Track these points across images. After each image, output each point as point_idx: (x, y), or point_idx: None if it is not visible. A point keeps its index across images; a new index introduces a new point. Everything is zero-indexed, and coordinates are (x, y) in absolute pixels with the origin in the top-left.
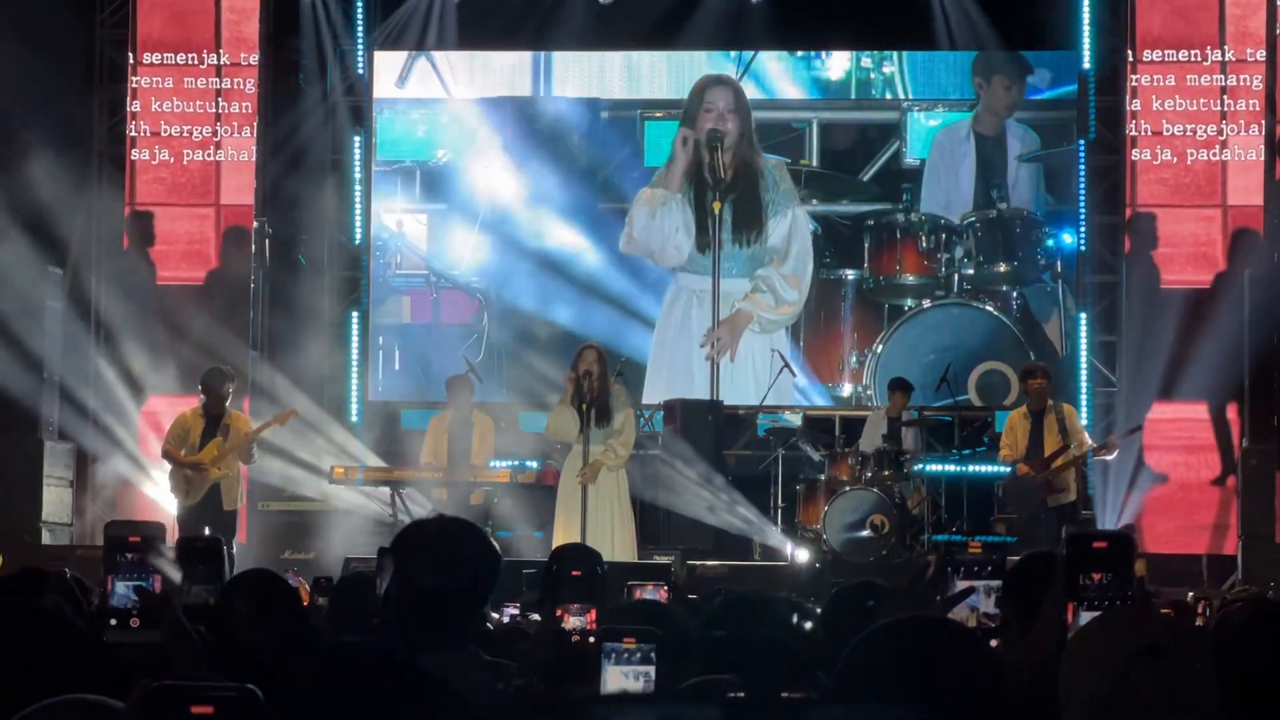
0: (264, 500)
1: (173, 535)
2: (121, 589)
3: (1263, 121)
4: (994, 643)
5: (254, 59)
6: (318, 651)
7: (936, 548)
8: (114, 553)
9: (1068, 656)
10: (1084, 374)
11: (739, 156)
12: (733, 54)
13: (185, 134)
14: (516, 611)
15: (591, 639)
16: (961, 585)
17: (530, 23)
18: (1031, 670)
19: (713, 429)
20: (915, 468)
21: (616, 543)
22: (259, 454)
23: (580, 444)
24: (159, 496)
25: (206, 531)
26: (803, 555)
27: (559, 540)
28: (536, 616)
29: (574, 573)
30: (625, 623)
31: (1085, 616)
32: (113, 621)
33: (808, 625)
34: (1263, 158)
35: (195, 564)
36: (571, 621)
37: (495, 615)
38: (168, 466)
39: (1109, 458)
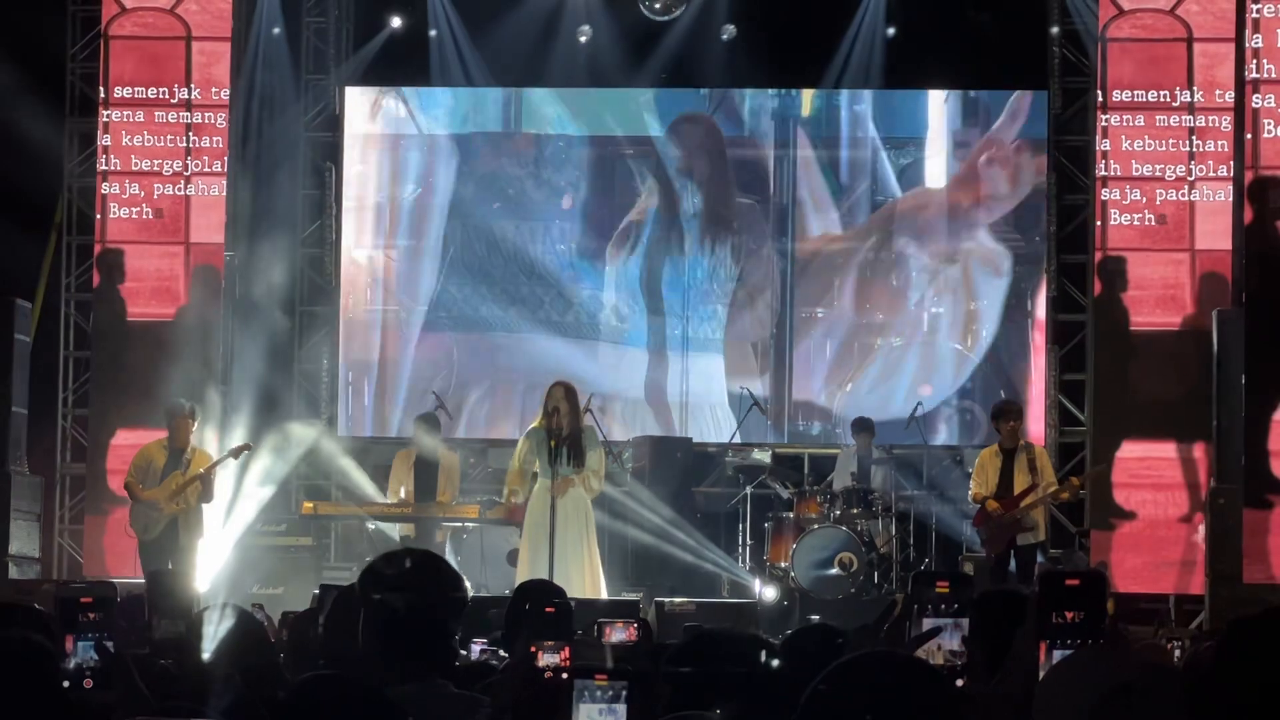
0: (239, 534)
1: (135, 570)
2: (81, 649)
3: (1231, 163)
4: (960, 682)
5: (224, 94)
6: (288, 684)
7: (903, 582)
8: (70, 613)
9: (1039, 696)
10: (1052, 413)
11: (711, 194)
12: (704, 91)
13: (156, 168)
14: (485, 646)
15: (564, 675)
16: (929, 624)
17: (503, 58)
18: (1002, 710)
19: (682, 466)
20: (883, 506)
21: (584, 579)
22: (218, 489)
23: (549, 479)
24: (125, 532)
25: (169, 566)
26: (771, 593)
27: (524, 574)
28: (504, 653)
29: (548, 609)
30: (596, 661)
31: (1057, 655)
32: (66, 683)
33: (775, 663)
34: (1231, 199)
35: (164, 597)
36: (545, 658)
37: (464, 652)
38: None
39: (1079, 495)
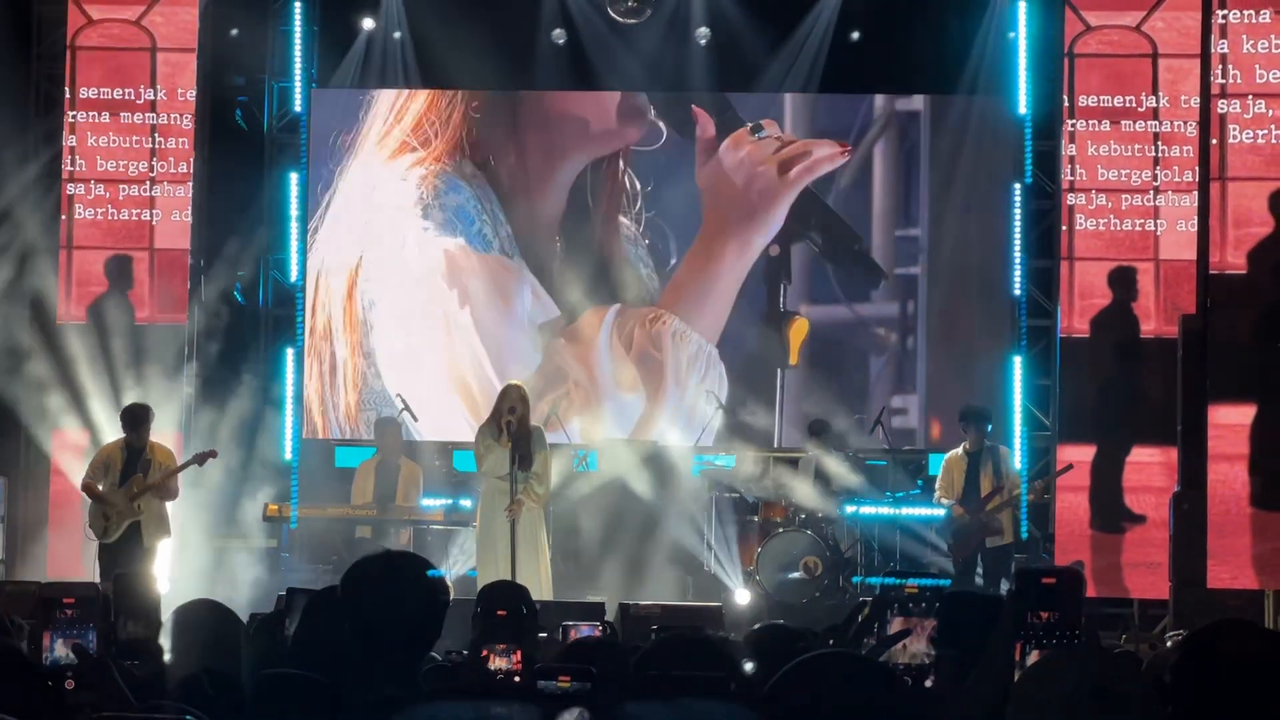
0: (204, 537)
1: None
2: (59, 650)
3: (1195, 168)
4: (928, 682)
5: (190, 95)
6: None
7: (871, 589)
8: (51, 614)
9: (1014, 696)
10: (1018, 417)
11: None
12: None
13: (121, 168)
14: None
15: (517, 678)
16: (897, 626)
17: (475, 61)
18: (975, 710)
19: (647, 469)
20: (848, 510)
21: (540, 581)
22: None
23: (506, 482)
24: (84, 535)
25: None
26: (745, 596)
27: (485, 579)
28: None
29: (499, 612)
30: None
31: (1033, 655)
32: (49, 683)
33: (747, 666)
34: (1195, 205)
35: (129, 599)
36: (496, 662)
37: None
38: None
39: (1044, 498)
